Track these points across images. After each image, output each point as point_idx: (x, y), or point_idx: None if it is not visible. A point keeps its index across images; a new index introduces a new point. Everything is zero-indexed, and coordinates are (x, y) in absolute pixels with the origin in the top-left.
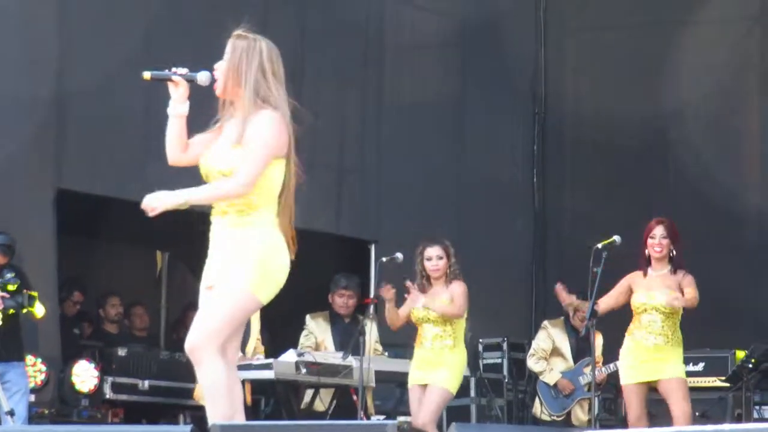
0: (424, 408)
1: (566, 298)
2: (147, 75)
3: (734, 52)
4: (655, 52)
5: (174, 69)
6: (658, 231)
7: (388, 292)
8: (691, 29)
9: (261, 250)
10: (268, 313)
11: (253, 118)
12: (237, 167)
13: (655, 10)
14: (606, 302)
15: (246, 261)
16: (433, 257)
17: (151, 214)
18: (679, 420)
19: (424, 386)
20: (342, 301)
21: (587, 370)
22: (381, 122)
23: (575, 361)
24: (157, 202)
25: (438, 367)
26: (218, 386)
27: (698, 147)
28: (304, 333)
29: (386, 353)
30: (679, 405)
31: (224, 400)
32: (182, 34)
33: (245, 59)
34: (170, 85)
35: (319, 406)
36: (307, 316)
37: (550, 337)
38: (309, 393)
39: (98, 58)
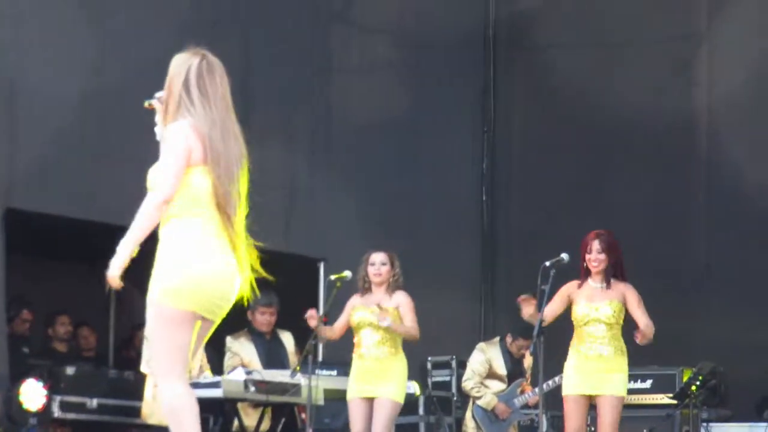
0: (379, 424)
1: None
2: (146, 103)
3: (681, 70)
4: (601, 71)
5: (157, 94)
6: (595, 245)
7: (312, 319)
8: (635, 49)
9: (175, 257)
10: (216, 330)
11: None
12: (154, 181)
13: (601, 30)
14: (550, 308)
15: (159, 272)
16: (377, 263)
17: (118, 285)
18: None
19: (368, 399)
20: (264, 318)
21: (520, 391)
22: (331, 141)
23: (509, 382)
24: (111, 274)
25: (383, 378)
26: (176, 412)
27: (645, 166)
28: (227, 355)
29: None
30: (605, 425)
31: (186, 426)
32: (132, 56)
33: (174, 76)
34: None
35: (265, 425)
36: (228, 338)
37: (487, 359)
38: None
39: (50, 79)
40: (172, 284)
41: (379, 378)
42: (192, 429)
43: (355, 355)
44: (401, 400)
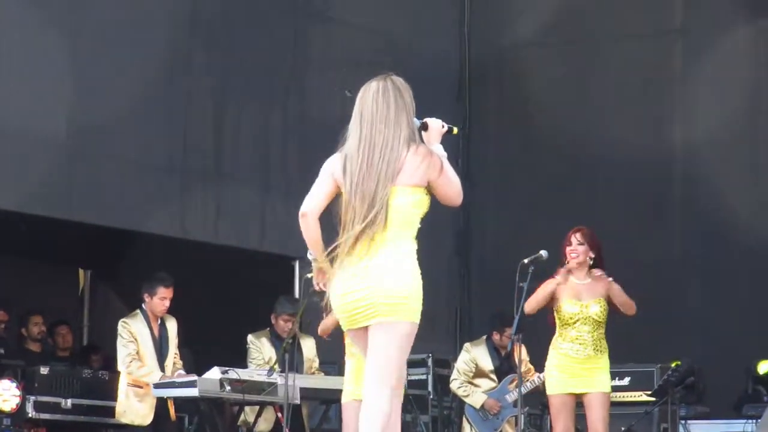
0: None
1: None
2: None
3: (653, 65)
4: (576, 67)
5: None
6: (575, 239)
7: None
8: (610, 45)
9: None
10: (190, 330)
11: None
12: None
13: (576, 27)
14: (535, 300)
15: None
16: None
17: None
18: None
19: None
20: (286, 326)
21: (512, 386)
22: (305, 140)
23: (500, 379)
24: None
25: None
26: None
27: (623, 159)
28: (252, 349)
29: (322, 372)
30: (598, 421)
31: None
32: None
33: None
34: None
35: (246, 423)
36: (250, 336)
37: (473, 360)
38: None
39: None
40: None
41: None
42: None
43: (350, 356)
44: None
